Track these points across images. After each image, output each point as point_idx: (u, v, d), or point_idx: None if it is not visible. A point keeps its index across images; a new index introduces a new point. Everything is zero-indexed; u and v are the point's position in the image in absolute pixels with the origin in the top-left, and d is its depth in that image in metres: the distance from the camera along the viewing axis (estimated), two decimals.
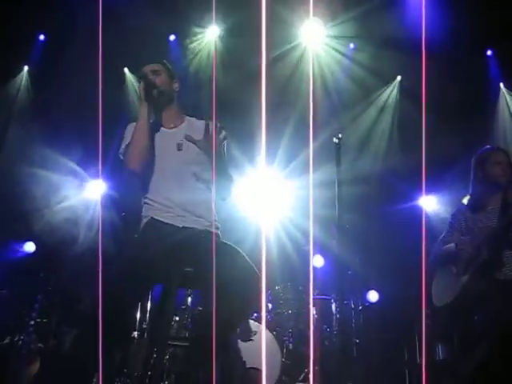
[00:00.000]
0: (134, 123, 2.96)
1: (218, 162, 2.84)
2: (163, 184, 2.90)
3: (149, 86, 2.90)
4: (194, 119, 3.09)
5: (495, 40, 6.51)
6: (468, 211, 3.65)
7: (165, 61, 3.14)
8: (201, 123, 2.98)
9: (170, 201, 2.86)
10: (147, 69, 3.03)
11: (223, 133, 2.91)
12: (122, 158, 2.96)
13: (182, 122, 3.04)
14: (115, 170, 6.19)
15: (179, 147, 2.93)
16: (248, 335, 4.53)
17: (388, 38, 6.46)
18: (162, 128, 3.00)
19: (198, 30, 6.80)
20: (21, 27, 6.21)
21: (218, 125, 2.91)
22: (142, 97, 2.89)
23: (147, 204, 2.94)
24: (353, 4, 6.29)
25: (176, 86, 3.08)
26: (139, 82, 2.96)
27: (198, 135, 2.88)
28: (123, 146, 2.93)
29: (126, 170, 2.88)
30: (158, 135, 2.96)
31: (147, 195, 2.95)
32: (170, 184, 2.88)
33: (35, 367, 4.68)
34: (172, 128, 3.01)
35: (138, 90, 2.97)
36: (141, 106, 2.89)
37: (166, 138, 2.97)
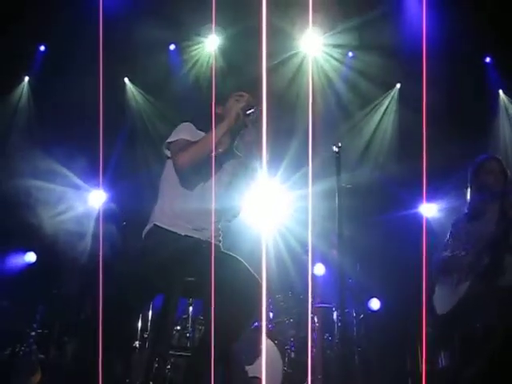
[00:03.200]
0: (189, 123, 3.00)
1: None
2: (180, 193, 2.91)
3: (244, 113, 2.91)
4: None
5: (494, 47, 6.53)
6: (467, 219, 3.67)
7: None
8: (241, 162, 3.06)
9: (180, 210, 2.87)
10: (252, 100, 3.00)
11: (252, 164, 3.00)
12: (166, 149, 2.95)
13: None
14: (116, 179, 6.22)
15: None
16: (253, 358, 4.51)
17: (387, 45, 6.48)
18: None
19: (197, 39, 6.83)
20: (21, 38, 6.23)
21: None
22: (234, 115, 2.88)
23: (156, 209, 2.95)
24: (351, 13, 6.32)
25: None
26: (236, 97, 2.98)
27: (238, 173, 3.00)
28: (173, 139, 2.92)
29: (175, 165, 2.87)
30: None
31: (161, 201, 2.96)
32: (187, 194, 2.90)
33: (37, 378, 4.67)
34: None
35: (229, 107, 2.96)
36: (226, 120, 2.88)
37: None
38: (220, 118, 2.96)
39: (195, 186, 2.90)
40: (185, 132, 2.94)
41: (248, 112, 2.92)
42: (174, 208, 2.88)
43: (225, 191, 2.97)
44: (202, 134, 2.96)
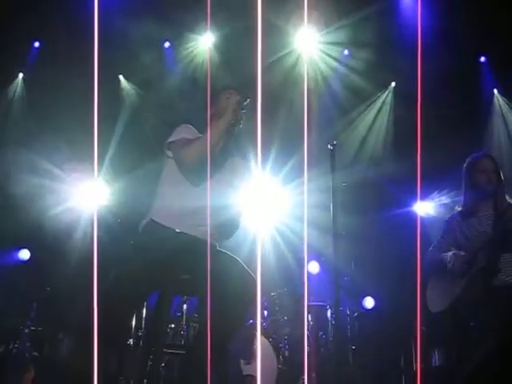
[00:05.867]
0: (188, 124, 3.01)
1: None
2: (181, 191, 2.90)
3: (240, 108, 2.94)
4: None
5: (488, 46, 6.55)
6: (460, 217, 3.68)
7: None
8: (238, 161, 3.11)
9: (178, 207, 2.86)
10: (241, 95, 3.02)
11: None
12: (166, 150, 2.95)
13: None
14: (110, 176, 6.20)
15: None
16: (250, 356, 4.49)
17: (382, 44, 6.49)
18: None
19: (192, 36, 6.81)
20: (16, 34, 6.21)
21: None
22: (232, 110, 2.90)
23: (155, 206, 2.94)
24: (347, 10, 6.32)
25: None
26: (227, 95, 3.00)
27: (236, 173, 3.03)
28: (173, 139, 2.92)
29: (182, 162, 2.87)
30: None
31: (160, 199, 2.95)
32: (189, 192, 2.89)
33: (30, 376, 4.66)
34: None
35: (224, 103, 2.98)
36: (226, 115, 2.89)
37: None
38: (213, 118, 2.97)
39: (201, 183, 2.89)
40: (186, 132, 2.95)
41: (243, 105, 2.97)
42: (173, 206, 2.87)
43: (226, 190, 2.97)
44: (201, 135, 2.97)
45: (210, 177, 2.88)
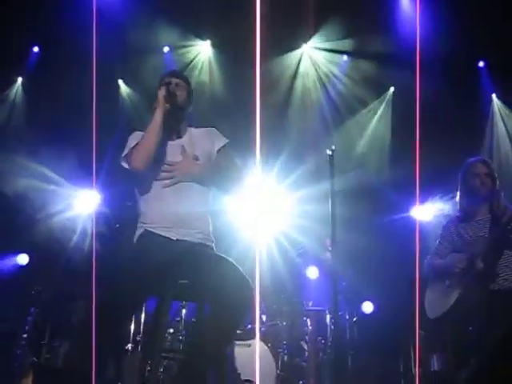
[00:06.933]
0: (139, 131, 2.98)
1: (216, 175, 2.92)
2: (160, 194, 2.89)
3: (169, 95, 2.89)
4: (193, 129, 3.09)
5: (487, 51, 6.57)
6: (458, 222, 3.69)
7: (188, 79, 3.09)
8: (199, 131, 3.05)
9: (166, 212, 2.85)
10: (171, 79, 3.01)
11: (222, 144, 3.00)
12: (123, 163, 2.92)
13: (184, 134, 3.04)
14: (109, 181, 6.19)
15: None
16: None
17: (381, 50, 6.51)
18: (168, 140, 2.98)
19: (192, 41, 6.82)
20: (15, 39, 6.22)
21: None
22: (160, 103, 2.87)
23: (143, 214, 2.93)
24: (347, 17, 6.34)
25: (190, 108, 3.06)
26: (159, 87, 2.95)
27: (199, 145, 2.96)
28: (126, 151, 2.90)
29: (129, 171, 2.84)
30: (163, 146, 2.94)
31: (143, 205, 2.94)
32: (167, 195, 2.88)
33: (28, 381, 4.64)
34: (174, 139, 3.00)
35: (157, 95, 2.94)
36: (156, 110, 2.86)
37: (170, 149, 2.95)
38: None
39: (151, 188, 2.87)
40: (135, 140, 2.92)
41: (173, 88, 2.92)
42: (161, 213, 2.86)
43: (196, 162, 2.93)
44: None
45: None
